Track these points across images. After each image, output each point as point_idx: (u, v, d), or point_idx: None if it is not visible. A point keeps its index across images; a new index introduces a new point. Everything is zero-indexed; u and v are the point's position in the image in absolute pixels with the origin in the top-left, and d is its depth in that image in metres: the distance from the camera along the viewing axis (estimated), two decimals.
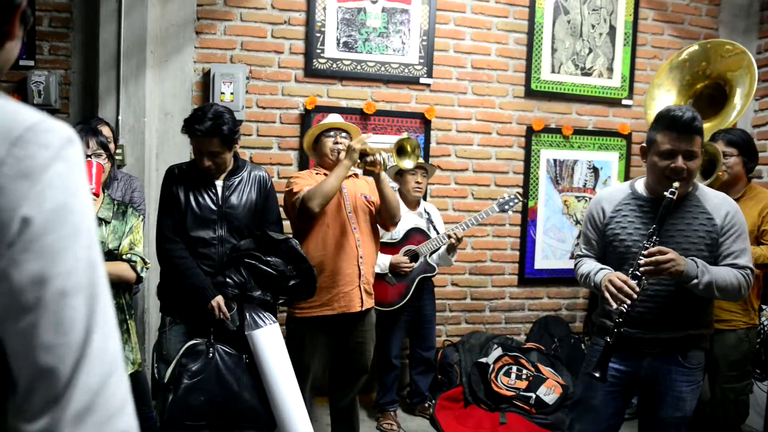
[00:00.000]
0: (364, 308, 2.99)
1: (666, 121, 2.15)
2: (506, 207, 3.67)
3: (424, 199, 3.98)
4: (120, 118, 3.59)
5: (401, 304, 3.61)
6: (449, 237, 3.54)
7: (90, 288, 0.73)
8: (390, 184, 3.06)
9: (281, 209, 2.98)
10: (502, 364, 3.89)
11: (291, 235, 2.81)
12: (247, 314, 2.59)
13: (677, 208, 2.18)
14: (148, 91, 3.66)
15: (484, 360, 3.94)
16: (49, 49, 3.73)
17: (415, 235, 3.68)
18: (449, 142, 4.25)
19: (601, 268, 2.28)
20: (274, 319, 2.63)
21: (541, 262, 4.43)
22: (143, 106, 3.63)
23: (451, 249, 3.62)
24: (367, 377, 3.22)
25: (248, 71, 3.88)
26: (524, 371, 3.85)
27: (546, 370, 3.87)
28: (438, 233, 3.70)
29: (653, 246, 2.08)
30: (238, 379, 2.50)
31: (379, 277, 3.55)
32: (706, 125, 3.58)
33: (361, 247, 2.98)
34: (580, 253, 2.47)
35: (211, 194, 2.66)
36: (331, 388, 3.24)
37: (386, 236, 3.64)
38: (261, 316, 2.59)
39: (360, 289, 2.97)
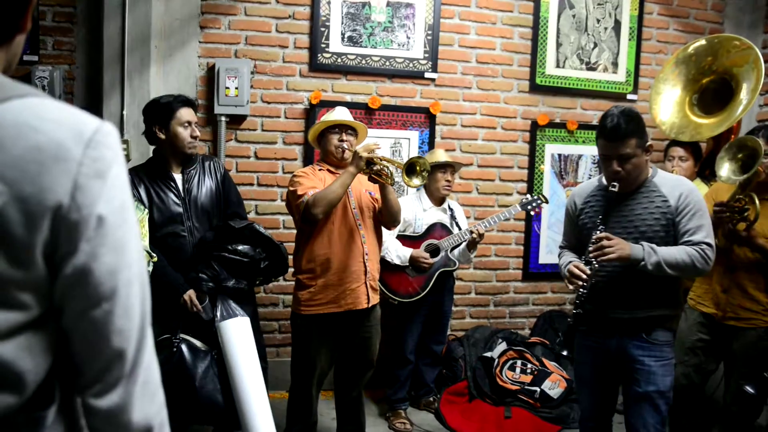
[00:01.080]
0: (370, 305, 3.01)
1: (599, 128, 2.38)
2: (529, 207, 3.70)
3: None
4: (125, 113, 3.59)
5: (420, 296, 3.61)
6: (471, 233, 3.55)
7: (141, 276, 0.83)
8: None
9: (285, 204, 3.01)
10: (507, 358, 3.90)
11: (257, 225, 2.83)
12: (218, 305, 2.58)
13: (635, 195, 2.40)
14: (152, 86, 3.65)
15: (488, 354, 3.95)
16: (53, 44, 3.71)
17: (438, 229, 3.69)
18: (454, 137, 4.24)
19: (571, 261, 2.47)
20: (243, 312, 2.62)
21: (545, 257, 4.43)
22: (148, 100, 3.62)
23: (472, 245, 3.64)
24: (375, 372, 3.23)
25: (253, 66, 3.87)
26: (529, 365, 3.86)
27: (550, 365, 3.88)
28: (460, 230, 3.70)
29: (601, 233, 2.32)
30: (201, 372, 2.49)
31: (399, 268, 3.57)
32: (711, 120, 3.58)
33: (367, 244, 2.99)
34: (561, 245, 2.73)
35: (173, 188, 2.74)
36: (336, 383, 3.25)
37: (408, 230, 3.68)
38: (230, 307, 2.59)
39: (366, 286, 2.98)
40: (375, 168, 2.88)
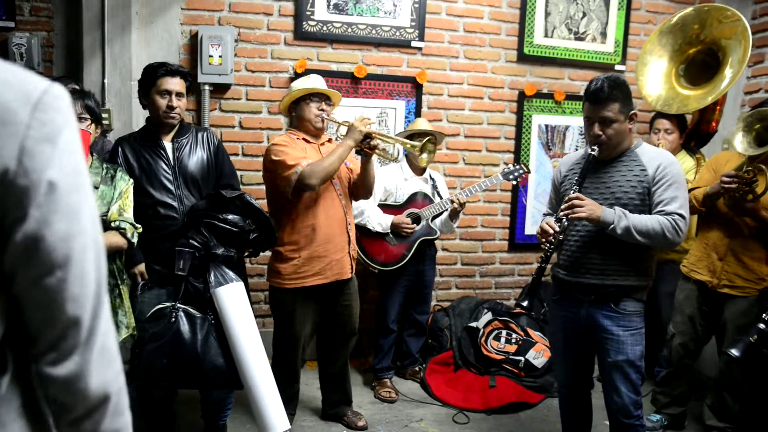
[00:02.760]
0: (353, 274, 3.02)
1: (585, 91, 2.44)
2: (511, 177, 3.68)
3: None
4: (106, 81, 3.52)
5: (401, 264, 3.62)
6: (452, 202, 3.54)
7: (96, 242, 0.82)
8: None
9: (263, 174, 2.99)
10: (492, 328, 3.93)
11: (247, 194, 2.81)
12: (212, 272, 2.58)
13: (615, 163, 2.46)
14: (134, 54, 3.58)
15: (474, 324, 3.98)
16: (30, 9, 3.61)
17: (419, 199, 3.68)
18: (441, 107, 4.21)
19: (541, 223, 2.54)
20: (237, 277, 2.63)
21: (531, 228, 4.45)
22: (129, 68, 3.56)
23: (454, 215, 3.63)
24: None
25: (237, 34, 3.80)
26: (514, 335, 3.90)
27: (535, 334, 3.92)
28: (441, 199, 3.70)
29: (574, 194, 2.39)
30: (201, 340, 2.50)
31: (379, 236, 3.57)
32: (698, 92, 3.57)
33: (348, 213, 3.00)
34: (544, 212, 2.79)
35: (163, 156, 2.72)
36: (320, 354, 3.26)
37: (389, 199, 3.68)
38: (225, 273, 2.59)
39: (350, 256, 3.00)
40: (372, 143, 2.88)
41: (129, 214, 2.51)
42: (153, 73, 2.68)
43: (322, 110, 2.98)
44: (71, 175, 0.76)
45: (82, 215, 0.78)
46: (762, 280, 2.95)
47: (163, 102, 2.67)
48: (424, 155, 3.00)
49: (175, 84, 2.69)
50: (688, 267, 3.21)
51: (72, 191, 0.76)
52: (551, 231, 2.37)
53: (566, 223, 2.38)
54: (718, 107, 3.71)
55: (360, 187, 3.06)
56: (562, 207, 2.38)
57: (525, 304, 2.40)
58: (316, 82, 3.02)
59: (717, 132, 3.84)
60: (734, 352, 1.92)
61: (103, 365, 0.83)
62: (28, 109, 0.72)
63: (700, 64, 3.64)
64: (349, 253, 3.00)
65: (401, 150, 3.23)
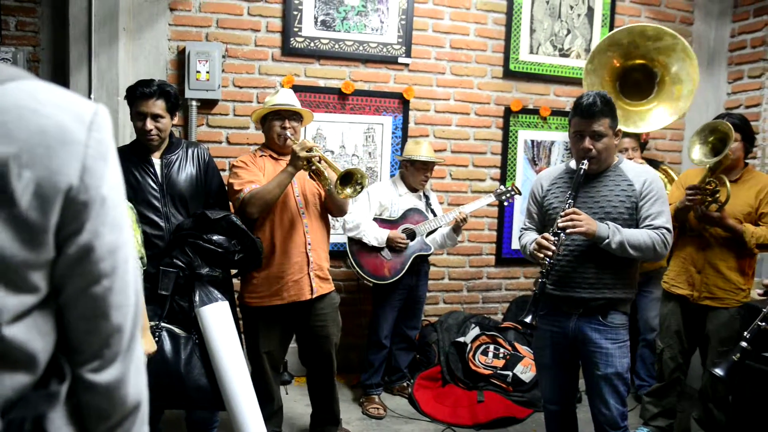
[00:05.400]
0: (315, 295, 2.90)
1: (573, 107, 2.47)
2: (503, 198, 3.76)
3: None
4: (92, 96, 3.50)
5: (395, 279, 3.62)
6: (458, 215, 3.59)
7: (133, 254, 0.86)
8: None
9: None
10: (480, 343, 3.94)
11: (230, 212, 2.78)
12: (197, 291, 2.57)
13: (602, 178, 2.50)
14: (121, 69, 3.56)
15: (461, 339, 3.98)
16: (16, 24, 3.60)
17: (413, 215, 3.70)
18: (427, 123, 4.23)
19: (536, 237, 2.53)
20: (222, 296, 2.61)
21: (518, 243, 4.45)
22: (117, 84, 3.54)
23: (457, 228, 3.67)
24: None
25: (224, 49, 3.81)
26: (501, 350, 3.90)
27: (523, 349, 3.93)
28: (435, 216, 3.73)
29: (570, 208, 2.39)
30: (185, 359, 2.48)
31: (375, 250, 3.57)
32: (644, 107, 3.71)
33: (310, 233, 2.91)
34: (523, 227, 2.78)
35: (150, 173, 2.68)
36: (307, 372, 3.22)
37: (384, 213, 3.69)
38: (210, 293, 2.57)
39: (309, 277, 2.89)
40: (313, 168, 2.83)
41: (140, 247, 2.43)
42: (132, 94, 2.65)
43: (285, 128, 2.90)
44: (116, 189, 0.82)
45: (124, 227, 0.83)
46: (740, 290, 3.01)
47: (139, 124, 2.65)
48: (348, 190, 2.78)
49: (151, 106, 2.62)
50: (668, 283, 3.26)
51: (117, 204, 0.82)
52: (552, 247, 2.36)
53: (564, 238, 2.39)
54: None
55: (329, 205, 3.00)
56: (561, 221, 2.37)
57: (528, 320, 2.35)
58: (280, 99, 2.94)
59: (648, 142, 4.25)
60: (718, 371, 1.95)
61: (138, 373, 0.87)
62: (84, 130, 0.77)
63: (634, 82, 3.79)
64: (308, 273, 2.89)
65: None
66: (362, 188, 2.79)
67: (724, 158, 2.96)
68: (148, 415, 0.91)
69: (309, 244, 2.90)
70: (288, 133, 2.90)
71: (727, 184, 2.94)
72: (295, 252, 2.87)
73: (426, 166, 3.69)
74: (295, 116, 2.95)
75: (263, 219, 2.84)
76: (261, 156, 2.95)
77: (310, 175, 2.89)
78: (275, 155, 2.97)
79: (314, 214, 2.96)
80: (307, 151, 2.73)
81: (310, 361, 3.11)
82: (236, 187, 2.78)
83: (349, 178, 2.76)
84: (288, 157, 2.85)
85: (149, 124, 2.63)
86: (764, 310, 1.89)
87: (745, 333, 1.91)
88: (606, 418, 2.49)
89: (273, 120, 2.92)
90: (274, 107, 2.91)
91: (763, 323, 1.89)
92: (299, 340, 3.09)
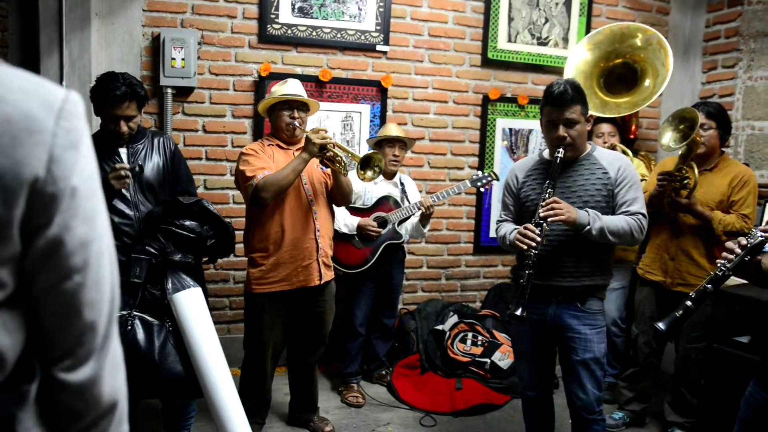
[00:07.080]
0: (322, 281, 3.00)
1: (545, 96, 2.49)
2: (479, 184, 3.71)
3: None
4: (64, 84, 3.43)
5: (365, 267, 3.61)
6: (420, 207, 3.56)
7: (109, 247, 0.82)
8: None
9: (234, 180, 2.95)
10: (458, 331, 3.96)
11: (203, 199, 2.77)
12: (169, 278, 2.54)
13: (577, 167, 2.52)
14: (94, 55, 3.49)
15: (440, 327, 4.00)
16: None
17: (387, 203, 3.68)
18: (406, 111, 4.22)
19: (515, 228, 2.56)
20: (195, 283, 2.59)
21: (495, 233, 4.48)
22: (89, 71, 3.47)
23: (425, 219, 3.65)
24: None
25: (200, 36, 3.75)
26: (479, 337, 3.93)
27: (501, 336, 3.96)
28: (409, 203, 3.71)
29: (550, 197, 2.40)
30: (159, 347, 2.46)
31: (345, 238, 3.56)
32: (624, 99, 3.82)
33: (318, 220, 2.97)
34: (499, 218, 2.78)
35: (118, 163, 2.63)
36: (289, 360, 3.24)
37: (357, 202, 3.67)
38: (182, 279, 2.55)
39: (318, 263, 2.97)
40: (328, 154, 2.87)
41: None
42: (101, 98, 2.57)
43: (294, 118, 2.95)
44: (89, 180, 0.77)
45: (98, 220, 0.79)
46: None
47: (112, 127, 2.60)
48: (369, 173, 2.94)
49: (124, 109, 2.57)
50: (643, 269, 3.31)
51: (90, 196, 0.77)
52: (537, 238, 2.35)
53: (547, 227, 2.39)
54: (634, 117, 4.18)
55: (335, 195, 3.07)
56: (542, 210, 2.37)
57: (518, 312, 2.33)
58: (289, 89, 2.99)
59: (637, 138, 4.34)
60: (660, 325, 2.03)
61: (114, 371, 0.84)
62: (53, 118, 0.73)
63: (617, 77, 3.93)
64: (317, 260, 2.97)
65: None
66: (380, 171, 2.95)
67: (694, 145, 3.02)
68: (126, 415, 0.89)
69: (318, 230, 2.96)
70: (296, 122, 2.95)
71: (696, 170, 3.00)
72: (306, 238, 2.93)
73: (393, 144, 3.66)
74: (303, 106, 3.00)
75: (274, 205, 2.87)
76: (269, 145, 2.99)
77: (323, 161, 2.92)
78: (283, 145, 3.00)
79: (322, 202, 3.03)
80: (321, 139, 2.78)
81: (302, 345, 3.15)
82: (248, 174, 2.81)
83: (368, 161, 2.90)
84: (296, 147, 2.97)
85: (123, 127, 2.60)
86: (712, 274, 1.98)
87: (692, 293, 2.01)
88: (583, 403, 2.53)
89: (281, 110, 2.96)
90: (283, 97, 2.94)
91: (709, 285, 1.97)
92: (295, 326, 3.11)
